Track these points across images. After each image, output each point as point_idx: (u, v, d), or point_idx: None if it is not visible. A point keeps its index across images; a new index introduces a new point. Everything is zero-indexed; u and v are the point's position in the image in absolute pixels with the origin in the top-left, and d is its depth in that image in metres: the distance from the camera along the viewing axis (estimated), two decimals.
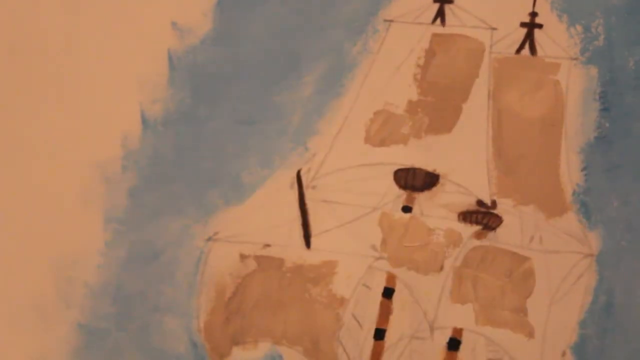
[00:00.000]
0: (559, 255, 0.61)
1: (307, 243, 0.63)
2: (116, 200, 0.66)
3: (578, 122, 0.62)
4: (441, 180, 0.63)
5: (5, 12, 0.70)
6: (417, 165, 0.63)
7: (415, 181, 0.63)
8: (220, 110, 0.67)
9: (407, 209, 0.63)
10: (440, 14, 0.65)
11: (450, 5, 0.65)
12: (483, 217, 0.61)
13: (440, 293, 0.61)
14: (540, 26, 0.64)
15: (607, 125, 0.62)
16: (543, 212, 0.62)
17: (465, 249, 0.62)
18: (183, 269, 0.65)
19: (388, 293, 0.62)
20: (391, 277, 0.62)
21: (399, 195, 0.63)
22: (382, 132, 0.64)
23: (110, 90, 0.68)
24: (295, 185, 0.64)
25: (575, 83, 0.63)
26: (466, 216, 0.62)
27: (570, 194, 0.62)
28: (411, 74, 0.65)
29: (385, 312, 0.62)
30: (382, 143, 0.64)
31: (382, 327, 0.61)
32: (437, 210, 0.62)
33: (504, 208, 0.61)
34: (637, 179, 0.59)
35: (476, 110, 0.63)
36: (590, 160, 0.61)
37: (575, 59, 0.63)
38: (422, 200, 0.63)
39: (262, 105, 0.66)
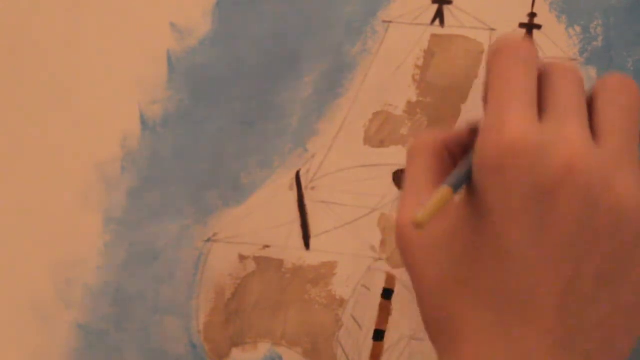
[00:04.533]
0: None
1: (307, 244, 0.63)
2: (115, 201, 0.66)
3: None
4: None
5: (5, 12, 0.70)
6: None
7: None
8: (219, 111, 0.67)
9: None
10: (439, 15, 0.65)
11: (449, 6, 0.65)
12: None
13: None
14: (539, 27, 0.64)
15: None
16: None
17: None
18: (182, 269, 0.65)
19: (387, 294, 0.62)
20: (390, 278, 0.62)
21: (398, 197, 0.63)
22: (381, 133, 0.64)
23: (109, 91, 0.68)
24: (295, 186, 0.64)
25: None
26: None
27: None
28: (410, 75, 0.65)
29: (384, 313, 0.62)
30: (382, 144, 0.64)
31: (382, 328, 0.61)
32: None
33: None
34: None
35: (475, 111, 0.63)
36: None
37: (574, 59, 0.63)
38: None
39: (261, 106, 0.66)
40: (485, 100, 0.45)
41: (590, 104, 0.43)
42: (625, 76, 0.44)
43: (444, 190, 0.42)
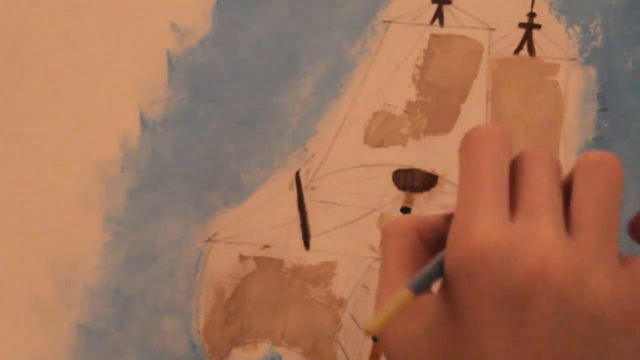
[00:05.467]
0: None
1: (307, 244, 0.63)
2: (115, 201, 0.66)
3: (576, 123, 0.62)
4: (440, 181, 0.63)
5: (5, 12, 0.70)
6: (415, 166, 0.63)
7: (414, 182, 0.63)
8: (219, 111, 0.67)
9: (405, 210, 0.63)
10: (439, 15, 0.65)
11: (449, 6, 0.65)
12: None
13: None
14: (538, 27, 0.64)
15: (606, 125, 0.62)
16: None
17: None
18: (182, 270, 0.65)
19: None
20: None
21: (398, 196, 0.63)
22: (381, 132, 0.64)
23: (109, 91, 0.68)
24: (295, 186, 0.65)
25: (573, 83, 0.63)
26: None
27: None
28: (410, 75, 0.65)
29: None
30: (381, 144, 0.64)
31: None
32: (436, 211, 0.62)
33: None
34: (635, 179, 0.59)
35: (475, 111, 0.63)
36: None
37: (574, 59, 0.63)
38: (420, 201, 0.63)
39: (261, 106, 0.66)
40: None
41: (569, 187, 0.41)
42: (606, 155, 0.41)
43: (403, 294, 0.40)
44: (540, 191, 0.40)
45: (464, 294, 0.39)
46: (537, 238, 0.39)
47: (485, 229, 0.39)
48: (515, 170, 0.41)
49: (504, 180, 0.41)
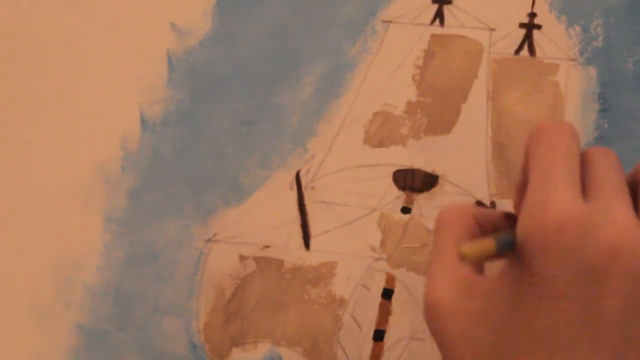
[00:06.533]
0: None
1: (307, 244, 0.63)
2: (116, 201, 0.66)
3: (577, 123, 0.62)
4: (440, 181, 0.63)
5: (5, 12, 0.70)
6: (416, 166, 0.63)
7: (414, 182, 0.63)
8: (219, 111, 0.67)
9: (406, 210, 0.63)
10: (439, 15, 0.65)
11: (449, 6, 0.65)
12: None
13: None
14: (539, 27, 0.64)
15: (606, 126, 0.62)
16: None
17: None
18: (182, 270, 0.65)
19: (387, 294, 0.62)
20: (390, 278, 0.62)
21: (398, 196, 0.63)
22: (381, 132, 0.64)
23: (109, 91, 0.68)
24: (295, 186, 0.64)
25: (574, 84, 0.63)
26: None
27: None
28: (410, 75, 0.65)
29: (384, 313, 0.62)
30: (381, 144, 0.64)
31: (382, 328, 0.61)
32: (436, 211, 0.62)
33: (503, 209, 0.61)
34: None
35: (475, 111, 0.63)
36: None
37: (575, 59, 0.63)
38: (421, 201, 0.63)
39: (261, 106, 0.66)
40: (521, 186, 0.44)
41: (634, 184, 0.43)
42: None
43: (489, 242, 0.42)
44: (611, 180, 0.42)
45: (538, 265, 0.40)
46: (612, 216, 0.40)
47: (562, 203, 0.40)
48: (583, 163, 0.43)
49: (577, 165, 0.42)
